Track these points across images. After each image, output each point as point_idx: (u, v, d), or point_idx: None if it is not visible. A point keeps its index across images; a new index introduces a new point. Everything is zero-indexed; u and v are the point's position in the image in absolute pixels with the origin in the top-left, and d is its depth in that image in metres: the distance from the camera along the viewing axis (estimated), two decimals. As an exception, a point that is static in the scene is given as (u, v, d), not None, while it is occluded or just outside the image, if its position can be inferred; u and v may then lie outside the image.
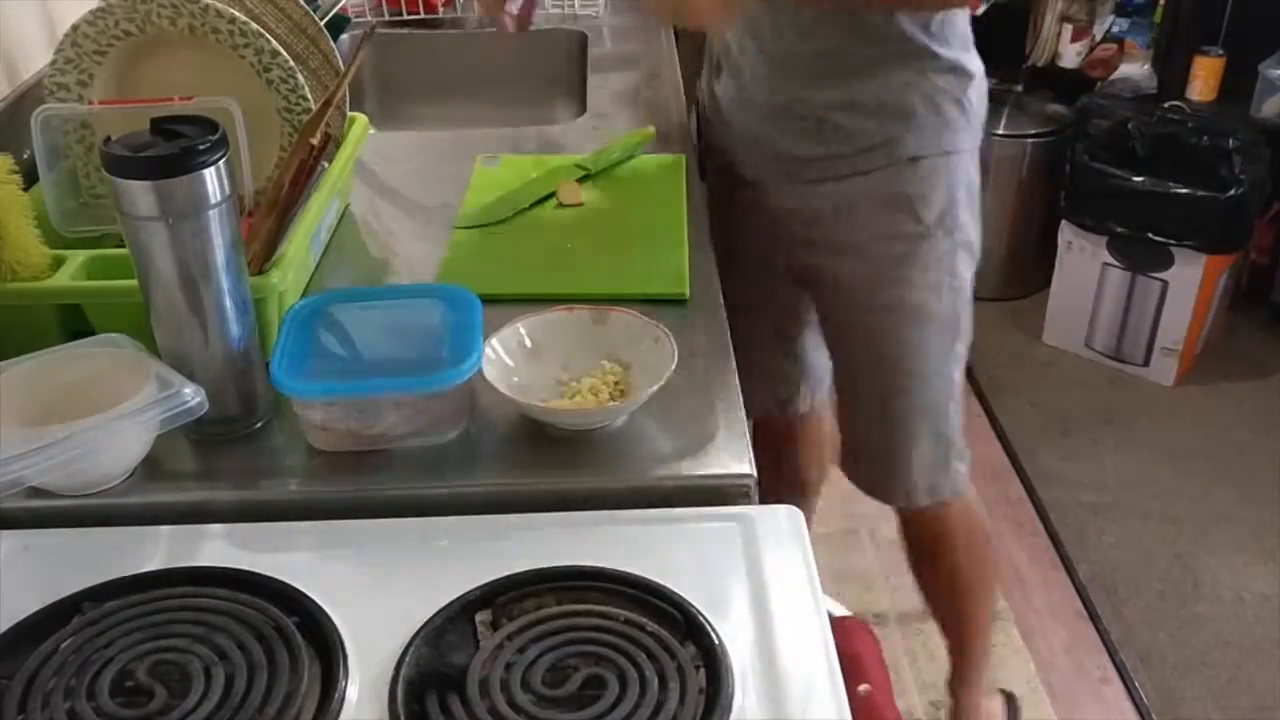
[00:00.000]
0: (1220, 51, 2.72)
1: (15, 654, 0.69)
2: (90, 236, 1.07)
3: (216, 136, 0.80)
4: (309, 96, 1.11)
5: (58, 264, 0.96)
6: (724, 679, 0.66)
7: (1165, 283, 2.66)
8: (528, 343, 0.94)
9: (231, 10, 1.08)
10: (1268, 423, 2.61)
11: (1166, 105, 2.69)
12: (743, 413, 0.91)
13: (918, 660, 2.00)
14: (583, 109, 1.60)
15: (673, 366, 0.88)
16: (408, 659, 0.68)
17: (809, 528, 0.80)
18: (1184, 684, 1.97)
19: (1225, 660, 2.01)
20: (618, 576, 0.74)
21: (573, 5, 1.91)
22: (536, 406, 0.88)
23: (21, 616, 0.72)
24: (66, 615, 0.72)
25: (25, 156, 1.09)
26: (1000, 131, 2.87)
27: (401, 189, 1.33)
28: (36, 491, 0.82)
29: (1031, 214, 2.96)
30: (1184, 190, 2.55)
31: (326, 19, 1.39)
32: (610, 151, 1.34)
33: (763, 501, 0.85)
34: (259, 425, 0.90)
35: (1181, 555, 2.24)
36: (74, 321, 0.96)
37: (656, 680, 0.66)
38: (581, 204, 1.25)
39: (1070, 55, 2.99)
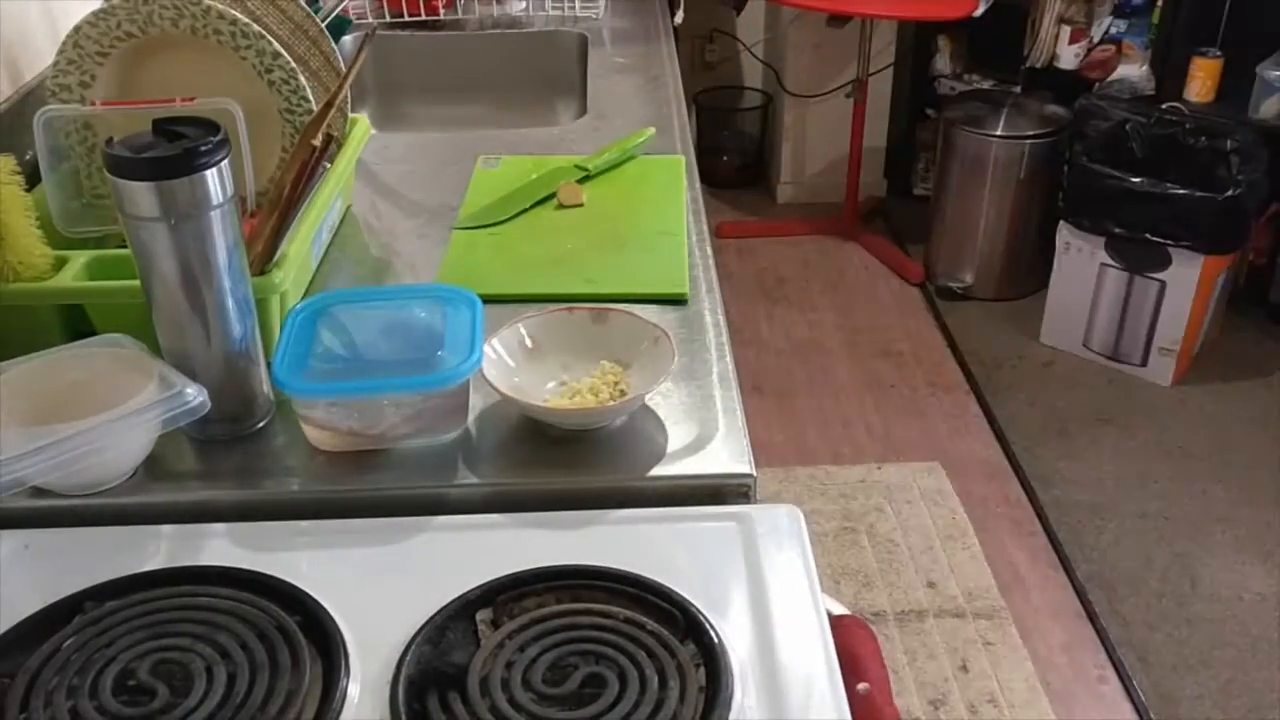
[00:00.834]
0: (1218, 53, 2.72)
1: (17, 653, 0.69)
2: (92, 237, 1.07)
3: (218, 138, 0.80)
4: (310, 98, 1.12)
5: (60, 264, 0.96)
6: (723, 677, 0.67)
7: (1163, 283, 2.67)
8: (528, 343, 0.95)
9: (233, 12, 1.08)
10: (1266, 423, 2.62)
11: (1164, 106, 2.69)
12: (742, 412, 0.92)
13: (917, 659, 2.00)
14: (583, 109, 1.60)
15: (673, 366, 0.89)
16: (409, 657, 0.69)
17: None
18: (1182, 683, 1.97)
19: (1223, 660, 2.01)
20: (618, 576, 0.74)
21: (573, 6, 1.91)
22: (536, 406, 0.89)
23: (24, 616, 0.72)
24: (68, 614, 0.73)
25: (28, 157, 1.10)
26: (998, 132, 2.87)
27: (402, 189, 1.34)
28: (38, 491, 0.83)
29: (1029, 215, 2.97)
30: (1182, 191, 2.55)
31: (328, 20, 1.39)
32: (610, 151, 1.34)
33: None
34: (260, 425, 0.91)
35: (1180, 555, 2.25)
36: (76, 322, 0.96)
37: (656, 679, 0.67)
38: (582, 204, 1.26)
39: (1068, 56, 3.00)
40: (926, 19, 3.14)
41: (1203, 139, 2.56)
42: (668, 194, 1.27)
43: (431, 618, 0.72)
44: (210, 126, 0.81)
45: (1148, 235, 2.61)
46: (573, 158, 1.34)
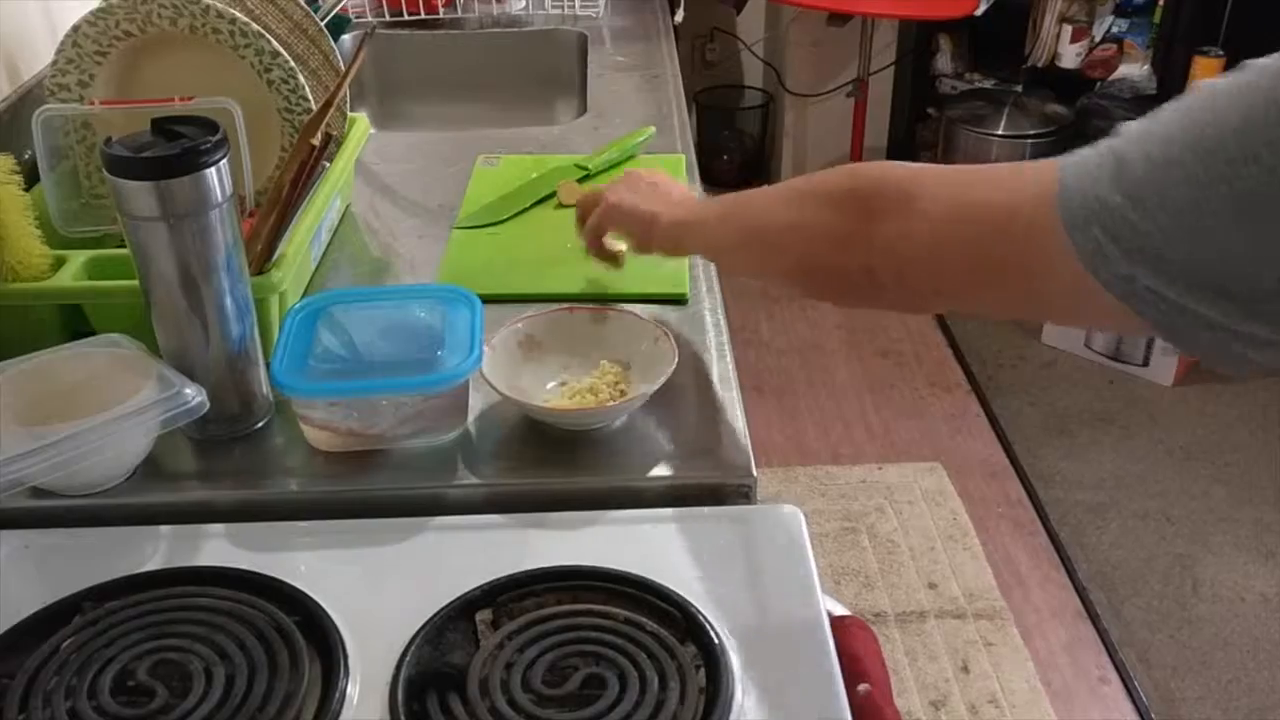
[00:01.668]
0: (1220, 52, 2.72)
1: (16, 653, 0.69)
2: (91, 237, 1.07)
3: (217, 137, 0.80)
4: (309, 97, 1.11)
5: (59, 264, 0.96)
6: (724, 678, 0.66)
7: (1165, 283, 2.66)
8: (528, 343, 0.95)
9: (232, 11, 1.08)
10: (1267, 423, 2.61)
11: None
12: (743, 412, 0.92)
13: (918, 660, 2.00)
14: (583, 109, 1.60)
15: (673, 366, 0.89)
16: (408, 658, 0.68)
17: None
18: (1183, 684, 1.97)
19: (1224, 660, 2.01)
20: (618, 576, 0.74)
21: (573, 5, 1.91)
22: (536, 406, 0.89)
23: (22, 616, 0.72)
24: (67, 615, 0.72)
25: (26, 157, 1.09)
26: (1000, 132, 2.87)
27: (402, 189, 1.33)
28: (37, 491, 0.82)
29: (1031, 214, 2.96)
30: (1183, 190, 2.55)
31: (327, 19, 1.38)
32: (610, 151, 1.34)
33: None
34: (259, 425, 0.90)
35: (1181, 555, 2.25)
36: (75, 321, 0.96)
37: (656, 680, 0.66)
38: (581, 204, 1.25)
39: (1070, 56, 3.00)
40: (927, 18, 3.13)
41: (1204, 138, 2.55)
42: (668, 193, 1.26)
43: (431, 618, 0.71)
44: (209, 126, 0.81)
45: (1149, 235, 2.61)
46: (573, 157, 1.34)
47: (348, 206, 1.26)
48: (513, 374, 0.92)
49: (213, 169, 0.79)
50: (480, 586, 0.74)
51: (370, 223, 1.26)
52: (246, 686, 0.67)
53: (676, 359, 0.89)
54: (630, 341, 0.94)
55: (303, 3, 1.21)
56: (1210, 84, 0.54)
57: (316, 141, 1.02)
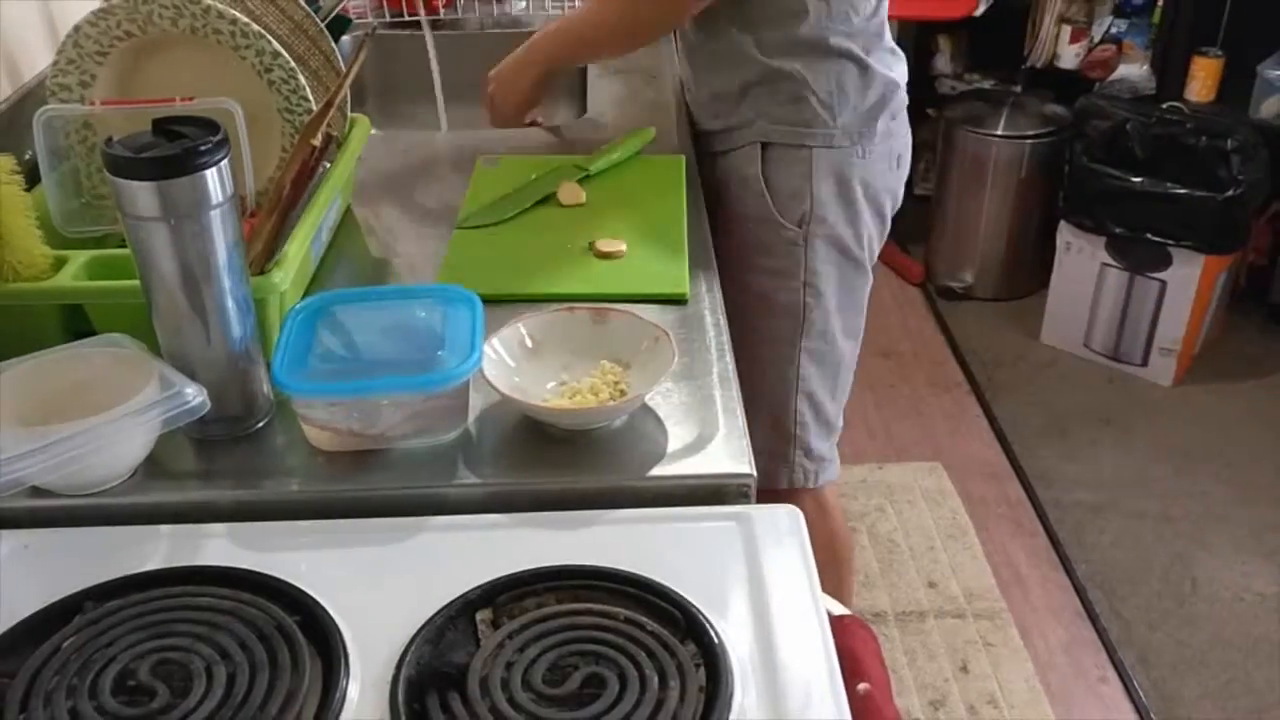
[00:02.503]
0: (1219, 52, 2.72)
1: (17, 653, 0.69)
2: (92, 237, 1.07)
3: (218, 137, 0.80)
4: (310, 97, 1.12)
5: (59, 264, 0.96)
6: (724, 677, 0.67)
7: (1163, 283, 2.67)
8: (528, 343, 0.95)
9: (233, 11, 1.08)
10: (1266, 422, 2.62)
11: (1165, 106, 2.69)
12: (742, 412, 0.92)
13: (917, 659, 2.00)
14: (583, 109, 1.60)
15: (673, 366, 0.89)
16: (408, 658, 0.69)
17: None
18: (1182, 683, 1.97)
19: (1223, 660, 2.01)
20: (618, 576, 0.74)
21: (573, 5, 1.91)
22: (536, 406, 0.89)
23: (23, 616, 0.72)
24: (68, 614, 0.72)
25: (27, 157, 1.10)
26: (999, 132, 2.87)
27: (402, 189, 1.33)
28: (38, 491, 0.82)
29: (1030, 214, 2.96)
30: (1182, 191, 2.55)
31: (327, 20, 1.38)
32: (610, 151, 1.34)
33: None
34: (260, 425, 0.91)
35: (1180, 555, 2.25)
36: (76, 321, 0.96)
37: (656, 679, 0.67)
38: (582, 204, 1.25)
39: (1069, 56, 3.00)
40: (926, 18, 3.13)
41: (1203, 139, 2.56)
42: (668, 194, 1.26)
43: (431, 618, 0.71)
44: (210, 126, 0.81)
45: (1148, 235, 2.62)
46: (573, 157, 1.34)
47: (348, 207, 1.26)
48: (513, 374, 0.92)
49: (213, 169, 0.80)
50: (480, 586, 0.74)
51: (370, 223, 1.26)
52: (247, 686, 0.67)
53: (676, 359, 0.89)
54: (630, 341, 0.94)
55: (303, 3, 1.21)
56: None
57: (317, 142, 1.02)
